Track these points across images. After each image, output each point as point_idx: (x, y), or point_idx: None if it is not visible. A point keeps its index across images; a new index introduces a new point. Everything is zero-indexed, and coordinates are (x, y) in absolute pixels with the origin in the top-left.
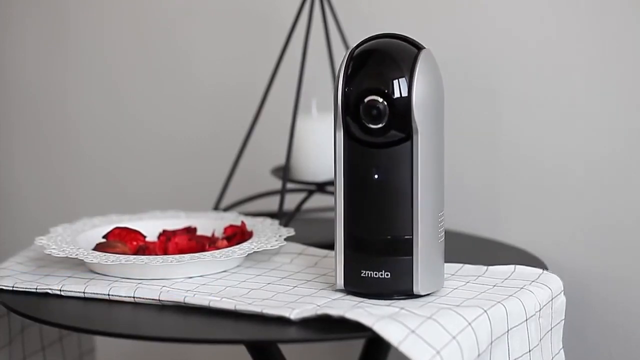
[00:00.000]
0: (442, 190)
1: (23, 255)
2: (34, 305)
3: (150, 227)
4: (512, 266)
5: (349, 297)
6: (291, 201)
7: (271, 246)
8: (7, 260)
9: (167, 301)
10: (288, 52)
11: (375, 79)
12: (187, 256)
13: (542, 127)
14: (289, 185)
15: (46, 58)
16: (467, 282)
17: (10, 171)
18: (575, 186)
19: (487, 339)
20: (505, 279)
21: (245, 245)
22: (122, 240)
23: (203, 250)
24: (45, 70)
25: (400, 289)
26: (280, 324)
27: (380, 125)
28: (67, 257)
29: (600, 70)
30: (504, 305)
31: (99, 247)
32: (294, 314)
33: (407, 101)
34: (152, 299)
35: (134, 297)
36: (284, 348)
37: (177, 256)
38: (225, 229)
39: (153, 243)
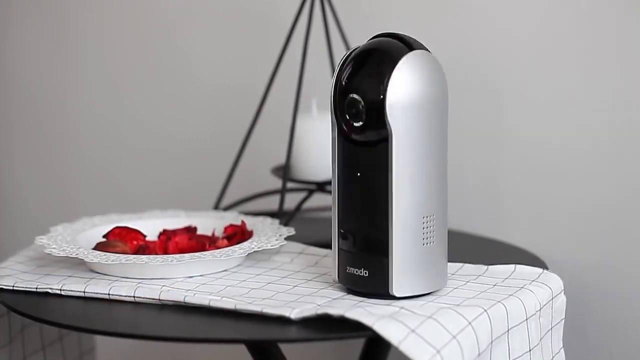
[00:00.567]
0: (430, 192)
1: (23, 254)
2: (34, 304)
3: (150, 227)
4: (513, 266)
5: (349, 296)
6: (291, 201)
7: (271, 245)
8: (7, 260)
9: (167, 301)
10: (288, 52)
11: (357, 77)
12: (187, 256)
13: (542, 127)
14: (289, 185)
15: (46, 58)
16: (468, 281)
17: (10, 171)
18: (576, 186)
19: (488, 339)
20: (506, 279)
21: (245, 244)
22: (122, 240)
23: (203, 249)
24: (45, 70)
25: (376, 288)
26: (281, 323)
27: (360, 124)
28: (67, 256)
29: (601, 69)
30: (504, 305)
31: (99, 247)
32: (294, 314)
33: (381, 102)
34: (152, 299)
35: (134, 297)
36: (284, 348)
37: (177, 256)
38: (226, 229)
39: (153, 242)
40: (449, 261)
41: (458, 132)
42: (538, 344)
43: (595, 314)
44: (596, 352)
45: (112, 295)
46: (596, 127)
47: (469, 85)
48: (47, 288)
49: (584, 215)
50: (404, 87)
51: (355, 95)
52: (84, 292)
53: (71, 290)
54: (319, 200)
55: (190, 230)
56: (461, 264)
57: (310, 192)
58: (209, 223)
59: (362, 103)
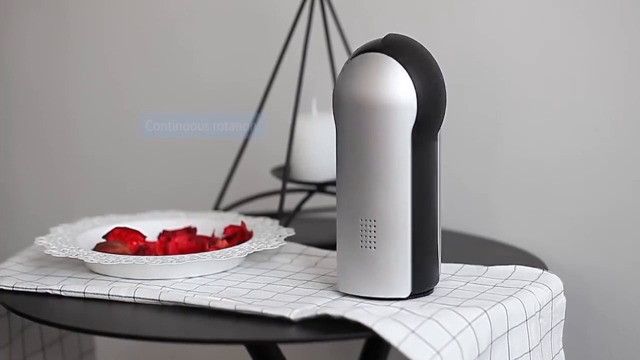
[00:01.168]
0: (370, 196)
1: (23, 255)
2: (34, 305)
3: (150, 227)
4: (512, 266)
5: (349, 297)
6: (291, 201)
7: (271, 246)
8: (7, 260)
9: (167, 301)
10: (288, 52)
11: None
12: (187, 256)
13: (541, 127)
14: (289, 185)
15: (46, 58)
16: (467, 282)
17: (10, 171)
18: (575, 186)
19: (487, 339)
20: (506, 279)
21: (245, 245)
22: (122, 241)
23: (203, 250)
24: (45, 70)
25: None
26: (280, 324)
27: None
28: (67, 257)
29: (599, 70)
30: (504, 306)
31: (99, 247)
32: (294, 314)
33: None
34: (152, 299)
35: (134, 297)
36: (284, 348)
37: (177, 256)
38: (226, 229)
39: (153, 243)
40: (448, 262)
41: (457, 133)
42: (538, 344)
43: (595, 315)
44: (596, 352)
45: (112, 296)
46: (596, 128)
47: (467, 85)
48: (47, 289)
49: (584, 216)
50: (350, 86)
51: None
52: (84, 292)
53: (71, 291)
54: (318, 201)
55: (190, 231)
56: (461, 265)
57: (310, 193)
58: (208, 224)
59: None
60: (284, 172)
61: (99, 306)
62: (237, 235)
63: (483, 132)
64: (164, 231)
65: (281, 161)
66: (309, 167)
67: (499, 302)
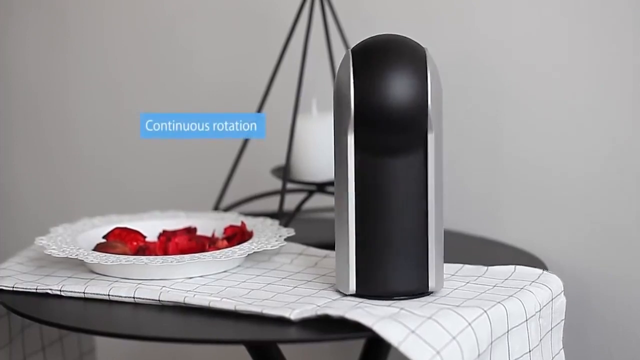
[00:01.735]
0: (347, 198)
1: (23, 255)
2: (34, 305)
3: (150, 227)
4: (512, 266)
5: (349, 297)
6: (291, 201)
7: (271, 246)
8: (7, 261)
9: (167, 301)
10: (288, 52)
11: None
12: (187, 256)
13: (541, 128)
14: (289, 186)
15: (46, 58)
16: (467, 282)
17: (10, 171)
18: (575, 186)
19: (487, 339)
20: (506, 279)
21: (245, 245)
22: (122, 241)
23: (203, 250)
24: (46, 70)
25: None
26: (280, 324)
27: None
28: (67, 257)
29: (599, 71)
30: (504, 306)
31: (99, 248)
32: (294, 315)
33: None
34: (152, 300)
35: (134, 298)
36: (284, 348)
37: (177, 256)
38: (226, 229)
39: (153, 243)
40: (448, 262)
41: (458, 133)
42: (538, 344)
43: (595, 315)
44: (596, 352)
45: (112, 296)
46: (596, 128)
47: (467, 86)
48: (47, 289)
49: (584, 216)
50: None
51: None
52: (84, 292)
53: (71, 291)
54: (318, 201)
55: (190, 231)
56: (461, 265)
57: (310, 193)
58: (208, 224)
59: None
60: (284, 172)
61: (99, 306)
62: (237, 235)
63: (483, 133)
64: (164, 231)
65: (281, 161)
66: (309, 167)
67: (499, 302)
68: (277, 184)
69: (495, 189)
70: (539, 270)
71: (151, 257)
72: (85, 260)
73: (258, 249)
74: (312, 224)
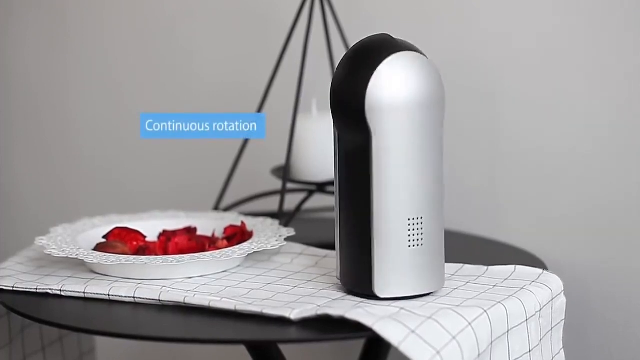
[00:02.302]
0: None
1: (23, 255)
2: (34, 305)
3: (150, 227)
4: (512, 266)
5: (349, 297)
6: (291, 201)
7: (271, 246)
8: (7, 260)
9: (167, 301)
10: (288, 52)
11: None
12: (187, 256)
13: (541, 127)
14: (289, 185)
15: (46, 58)
16: (467, 282)
17: (10, 171)
18: (575, 186)
19: (487, 339)
20: (506, 279)
21: (245, 245)
22: (122, 241)
23: (203, 250)
24: (46, 70)
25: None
26: (280, 324)
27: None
28: (67, 257)
29: (598, 70)
30: (504, 306)
31: (99, 247)
32: (294, 314)
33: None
34: (152, 299)
35: (134, 297)
36: (284, 348)
37: (177, 256)
38: (226, 229)
39: (153, 243)
40: (449, 262)
41: (457, 133)
42: (538, 344)
43: (595, 315)
44: (596, 352)
45: (112, 296)
46: (595, 128)
47: (467, 86)
48: (47, 289)
49: (583, 216)
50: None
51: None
52: (84, 292)
53: (71, 291)
54: (318, 201)
55: (190, 231)
56: (461, 265)
57: (310, 193)
58: (209, 224)
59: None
60: (284, 172)
61: (99, 306)
62: (237, 235)
63: (483, 133)
64: (164, 231)
65: (281, 161)
66: (309, 167)
67: (499, 302)
68: (277, 184)
69: (496, 189)
70: (539, 270)
71: (151, 257)
72: (85, 260)
73: (258, 248)
74: (312, 224)
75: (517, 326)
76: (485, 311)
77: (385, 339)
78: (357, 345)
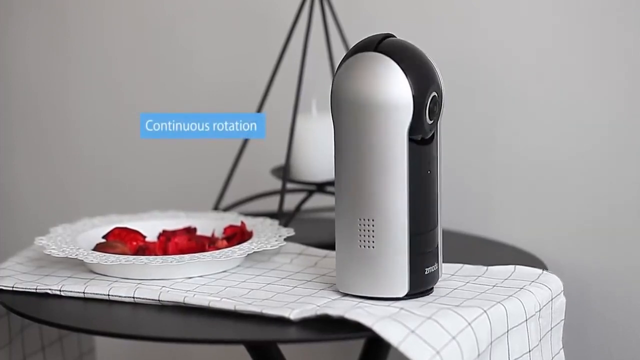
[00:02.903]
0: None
1: (23, 255)
2: (34, 305)
3: (150, 227)
4: (512, 266)
5: (349, 297)
6: (291, 201)
7: (271, 246)
8: (7, 260)
9: (167, 301)
10: (288, 52)
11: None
12: (187, 256)
13: (541, 127)
14: (289, 185)
15: (46, 58)
16: (467, 282)
17: (10, 171)
18: (575, 186)
19: (487, 339)
20: (505, 279)
21: (245, 245)
22: (122, 241)
23: (203, 250)
24: (46, 70)
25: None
26: (280, 324)
27: None
28: (67, 257)
29: (596, 71)
30: (503, 306)
31: (99, 247)
32: (293, 314)
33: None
34: (152, 299)
35: (133, 297)
36: (284, 348)
37: (177, 256)
38: (225, 229)
39: (153, 243)
40: (448, 262)
41: (456, 133)
42: (538, 344)
43: (595, 315)
44: (596, 352)
45: (112, 296)
46: (595, 128)
47: (467, 86)
48: (46, 289)
49: (583, 216)
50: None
51: None
52: (84, 292)
53: (71, 291)
54: (318, 201)
55: (190, 231)
56: (461, 265)
57: (310, 193)
58: (208, 224)
59: None
60: (283, 172)
61: (99, 306)
62: (237, 235)
63: (483, 132)
64: (164, 231)
65: (281, 161)
66: (308, 167)
67: (499, 302)
68: (277, 184)
69: (495, 189)
70: (539, 270)
71: (151, 257)
72: (85, 260)
73: (258, 249)
74: (312, 224)
75: (516, 326)
76: (485, 311)
77: (385, 339)
78: (357, 345)
